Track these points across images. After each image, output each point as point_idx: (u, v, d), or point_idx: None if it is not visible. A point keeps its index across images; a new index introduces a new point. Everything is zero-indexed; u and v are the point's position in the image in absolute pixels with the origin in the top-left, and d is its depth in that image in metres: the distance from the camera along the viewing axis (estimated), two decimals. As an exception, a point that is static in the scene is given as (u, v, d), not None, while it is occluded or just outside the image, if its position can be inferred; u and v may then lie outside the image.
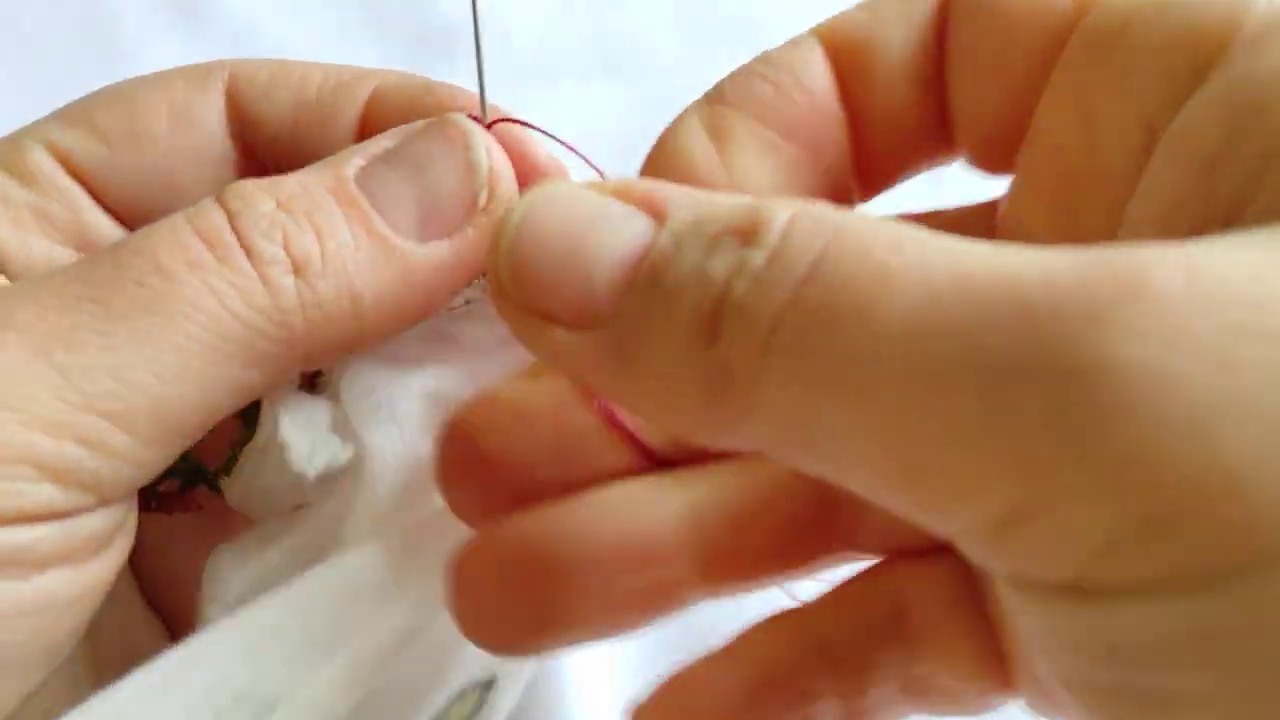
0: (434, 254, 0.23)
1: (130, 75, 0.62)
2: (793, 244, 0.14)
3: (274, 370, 0.22)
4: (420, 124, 0.24)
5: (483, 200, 0.24)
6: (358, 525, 0.23)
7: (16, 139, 0.26)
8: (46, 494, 0.19)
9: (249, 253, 0.21)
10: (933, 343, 0.13)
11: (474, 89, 0.27)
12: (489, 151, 0.24)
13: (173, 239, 0.21)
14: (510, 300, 0.16)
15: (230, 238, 0.21)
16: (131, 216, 0.26)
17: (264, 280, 0.21)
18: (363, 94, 0.27)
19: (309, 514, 0.24)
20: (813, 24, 0.60)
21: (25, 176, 0.25)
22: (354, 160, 0.23)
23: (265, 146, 0.27)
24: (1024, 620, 0.15)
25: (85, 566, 0.21)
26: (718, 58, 0.59)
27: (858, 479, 0.15)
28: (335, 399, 0.24)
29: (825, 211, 0.15)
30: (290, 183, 0.23)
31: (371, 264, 0.22)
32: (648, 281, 0.15)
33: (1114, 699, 0.14)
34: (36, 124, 0.27)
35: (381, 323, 0.23)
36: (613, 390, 0.17)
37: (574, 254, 0.15)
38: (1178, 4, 0.17)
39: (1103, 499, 0.12)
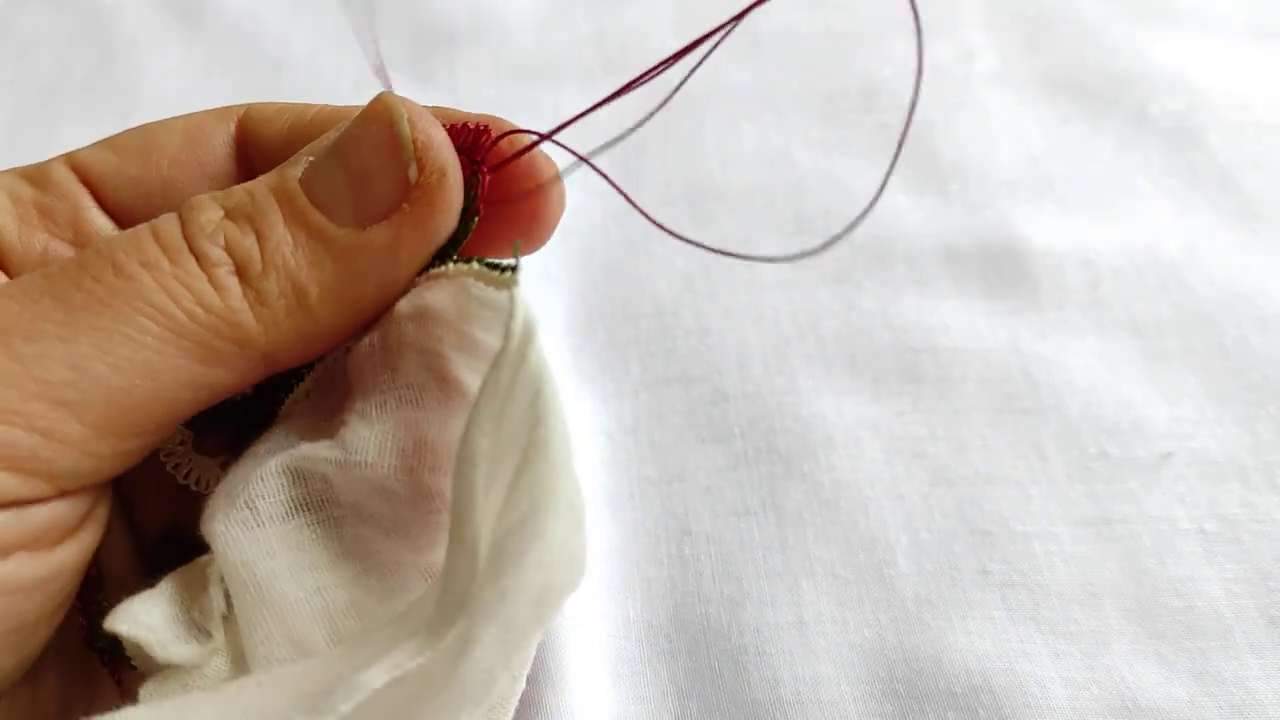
0: (374, 238, 0.23)
1: (128, 75, 0.62)
2: None
3: (237, 370, 0.23)
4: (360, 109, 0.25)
5: (413, 174, 0.23)
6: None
7: (49, 159, 0.28)
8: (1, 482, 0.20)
9: (197, 256, 0.22)
10: None
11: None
12: (414, 124, 0.23)
13: (132, 242, 0.22)
14: None
15: (181, 241, 0.22)
16: (132, 220, 0.28)
17: (212, 281, 0.22)
18: (228, 125, 0.28)
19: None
20: (810, 24, 0.60)
21: (38, 180, 0.27)
22: (305, 158, 0.24)
23: (263, 166, 0.28)
24: None
25: (48, 554, 0.21)
26: (718, 58, 0.59)
27: None
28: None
29: None
30: (239, 190, 0.24)
31: (311, 259, 0.23)
32: None
33: None
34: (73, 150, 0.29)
35: (334, 313, 0.23)
36: None
37: None
38: None
39: None
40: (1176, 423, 0.41)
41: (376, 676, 0.19)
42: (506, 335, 0.21)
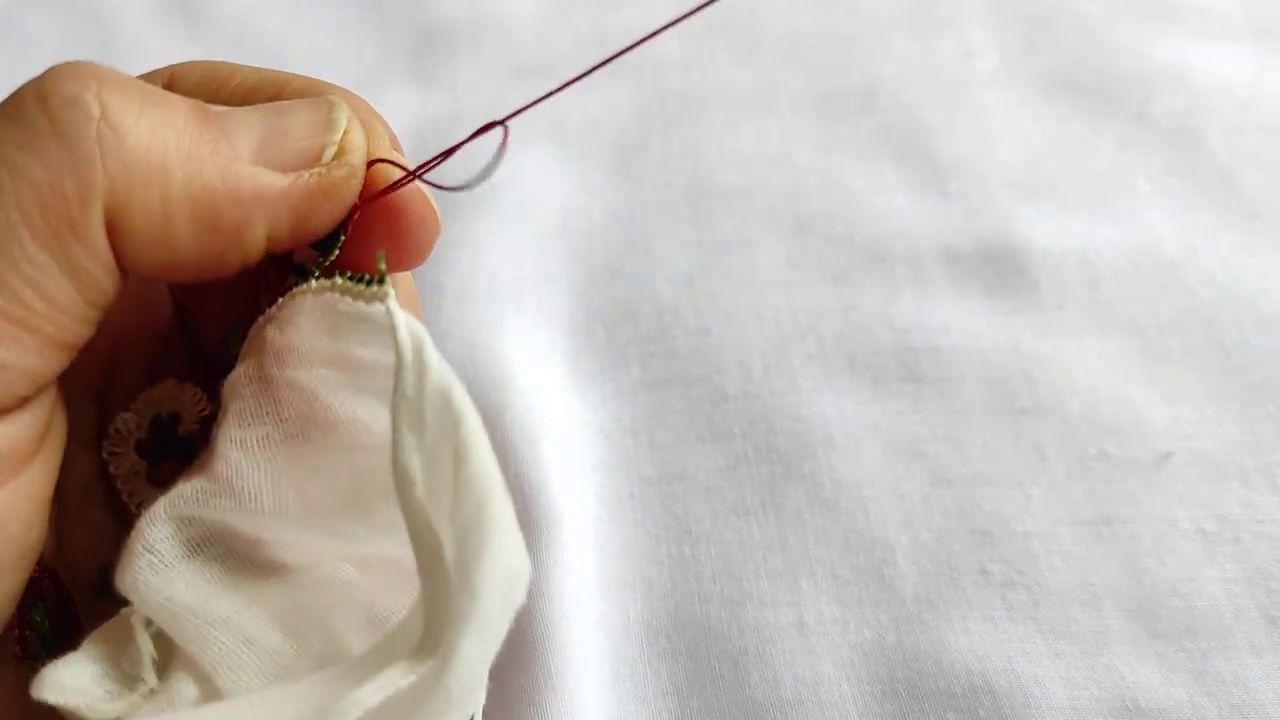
0: (263, 176, 0.22)
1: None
2: None
3: (89, 247, 0.21)
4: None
5: (328, 155, 0.23)
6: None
7: None
8: None
9: (44, 99, 0.20)
10: None
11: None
12: (351, 123, 0.24)
13: None
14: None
15: (32, 100, 0.20)
16: None
17: (57, 128, 0.20)
18: (276, 90, 0.26)
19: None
20: (811, 24, 0.60)
21: None
22: (217, 106, 0.23)
23: None
24: None
25: None
26: (718, 58, 0.59)
27: None
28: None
29: None
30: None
31: (193, 152, 0.21)
32: None
33: None
34: None
35: (188, 226, 0.22)
36: None
37: None
38: None
39: None
40: (1176, 423, 0.41)
41: (369, 695, 0.19)
42: (397, 348, 0.21)
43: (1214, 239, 0.47)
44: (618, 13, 0.61)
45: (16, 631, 0.25)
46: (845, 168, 0.52)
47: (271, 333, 0.24)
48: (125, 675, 0.23)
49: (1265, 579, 0.36)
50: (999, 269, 0.47)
